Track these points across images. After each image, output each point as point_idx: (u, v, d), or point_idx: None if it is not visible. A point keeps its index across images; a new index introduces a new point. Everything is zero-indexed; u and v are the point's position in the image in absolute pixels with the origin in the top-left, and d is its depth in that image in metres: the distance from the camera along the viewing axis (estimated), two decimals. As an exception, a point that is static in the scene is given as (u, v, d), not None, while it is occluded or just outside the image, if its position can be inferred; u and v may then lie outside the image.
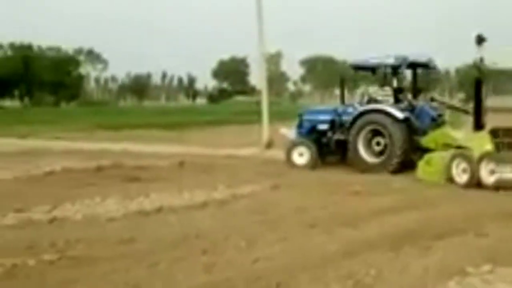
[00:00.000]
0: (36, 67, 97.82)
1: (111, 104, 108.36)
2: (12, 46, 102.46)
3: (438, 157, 13.11)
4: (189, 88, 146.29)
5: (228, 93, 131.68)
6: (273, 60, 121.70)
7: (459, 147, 13.05)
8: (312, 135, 16.40)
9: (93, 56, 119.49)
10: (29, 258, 6.91)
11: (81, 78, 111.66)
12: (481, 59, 13.87)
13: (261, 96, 21.18)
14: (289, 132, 17.04)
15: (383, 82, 15.99)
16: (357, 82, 17.08)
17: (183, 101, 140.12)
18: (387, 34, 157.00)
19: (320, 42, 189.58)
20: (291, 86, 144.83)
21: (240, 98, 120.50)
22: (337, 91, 17.98)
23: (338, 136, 15.89)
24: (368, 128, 15.09)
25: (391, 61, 15.39)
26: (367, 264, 6.63)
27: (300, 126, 16.80)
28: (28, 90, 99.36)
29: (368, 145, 15.14)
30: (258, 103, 22.61)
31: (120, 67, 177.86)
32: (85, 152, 20.05)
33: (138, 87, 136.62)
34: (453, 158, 12.56)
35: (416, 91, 16.11)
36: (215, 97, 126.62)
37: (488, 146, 12.28)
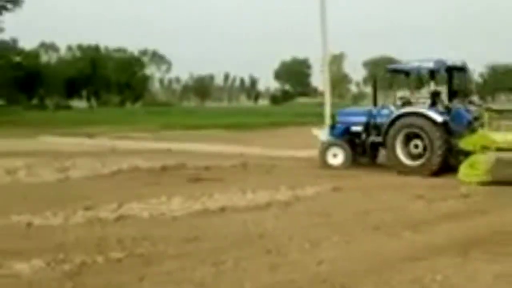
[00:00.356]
0: (103, 68, 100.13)
1: (174, 104, 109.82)
2: (80, 47, 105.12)
3: (482, 160, 12.96)
4: (251, 90, 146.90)
5: (290, 94, 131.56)
6: (336, 61, 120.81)
7: (499, 149, 13.04)
8: (345, 136, 16.55)
9: (157, 57, 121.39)
10: (97, 255, 7.08)
11: (146, 79, 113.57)
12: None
13: (324, 97, 21.06)
14: (321, 132, 17.19)
15: (419, 85, 16.40)
16: (392, 84, 16.90)
17: (245, 102, 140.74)
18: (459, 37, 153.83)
19: (384, 44, 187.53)
20: (353, 88, 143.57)
21: (302, 99, 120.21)
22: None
23: (373, 138, 16.01)
24: (406, 130, 15.06)
25: (430, 65, 15.54)
26: (433, 269, 6.52)
27: (333, 127, 16.98)
28: (95, 91, 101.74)
29: (405, 147, 15.09)
30: (320, 105, 22.51)
31: (184, 68, 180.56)
32: (151, 151, 20.45)
33: (201, 88, 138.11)
34: (498, 160, 12.63)
35: (452, 94, 16.03)
36: (277, 99, 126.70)
37: None
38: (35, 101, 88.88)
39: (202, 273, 6.47)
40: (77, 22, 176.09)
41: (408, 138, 15.11)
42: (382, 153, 16.26)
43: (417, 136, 14.95)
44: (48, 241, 7.94)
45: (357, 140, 16.35)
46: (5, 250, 7.28)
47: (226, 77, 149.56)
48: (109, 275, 6.40)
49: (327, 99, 20.65)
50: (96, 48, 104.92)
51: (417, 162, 14.85)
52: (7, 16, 40.18)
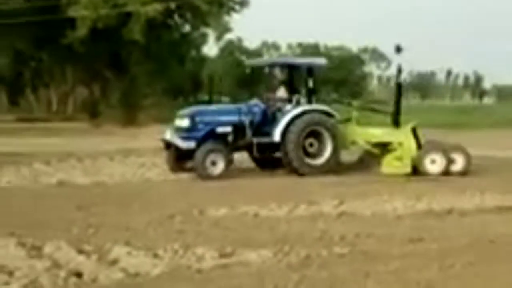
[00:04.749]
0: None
1: (391, 103, 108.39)
2: (300, 45, 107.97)
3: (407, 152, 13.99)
4: (475, 87, 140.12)
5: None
6: None
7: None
8: (209, 139, 13.86)
9: (376, 55, 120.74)
10: (321, 249, 7.14)
11: (364, 76, 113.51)
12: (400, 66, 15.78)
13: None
14: (172, 135, 14.10)
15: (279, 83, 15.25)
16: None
17: (468, 100, 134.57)
18: None
19: None
20: None
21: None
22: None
23: (260, 139, 14.09)
24: (311, 128, 14.14)
25: (268, 61, 15.22)
26: None
27: (192, 128, 13.89)
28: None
29: (304, 146, 14.13)
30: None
31: (404, 65, 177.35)
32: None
33: (421, 85, 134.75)
34: (426, 151, 13.96)
35: (311, 92, 14.87)
36: (506, 96, 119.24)
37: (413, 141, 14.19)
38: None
39: (429, 275, 6.22)
40: (299, 22, 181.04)
41: (306, 137, 14.14)
42: (236, 156, 14.17)
43: (314, 134, 14.19)
44: (273, 232, 8.21)
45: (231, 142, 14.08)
46: (236, 239, 7.64)
47: (449, 74, 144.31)
48: (333, 269, 6.41)
49: None
50: (316, 46, 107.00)
51: (320, 161, 14.13)
52: (234, 17, 42.30)
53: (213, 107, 17.30)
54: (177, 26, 43.58)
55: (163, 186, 12.50)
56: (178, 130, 14.11)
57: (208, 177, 13.26)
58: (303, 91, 15.12)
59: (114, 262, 6.56)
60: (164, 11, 38.24)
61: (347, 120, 15.21)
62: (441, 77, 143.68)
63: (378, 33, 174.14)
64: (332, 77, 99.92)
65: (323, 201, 10.36)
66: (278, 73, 15.27)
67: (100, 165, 15.43)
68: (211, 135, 13.92)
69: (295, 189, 12.10)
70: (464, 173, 14.02)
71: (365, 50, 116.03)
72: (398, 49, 16.34)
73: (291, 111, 14.24)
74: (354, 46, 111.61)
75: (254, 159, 14.87)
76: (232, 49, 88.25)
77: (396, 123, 15.13)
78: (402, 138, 14.43)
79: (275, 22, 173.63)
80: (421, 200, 10.49)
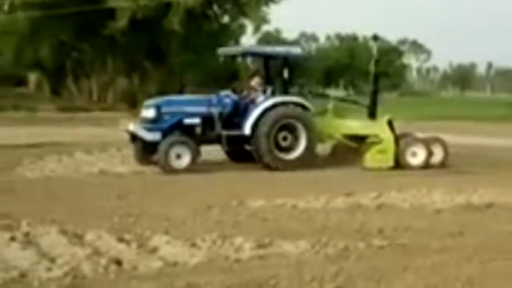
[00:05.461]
0: (360, 57, 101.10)
1: (432, 94, 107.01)
2: (338, 37, 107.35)
3: (389, 145, 13.75)
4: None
5: None
6: None
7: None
8: (176, 130, 13.36)
9: (416, 46, 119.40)
10: (359, 241, 7.13)
11: (403, 68, 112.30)
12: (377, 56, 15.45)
13: None
14: (135, 127, 13.50)
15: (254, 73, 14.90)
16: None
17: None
18: None
19: None
20: None
21: None
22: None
23: (229, 131, 13.52)
24: (283, 121, 13.57)
25: (240, 50, 14.65)
26: None
27: (157, 120, 13.34)
28: (351, 80, 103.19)
29: (276, 140, 13.56)
30: None
31: (444, 57, 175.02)
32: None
33: (461, 77, 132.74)
34: (406, 144, 13.85)
35: (286, 83, 14.29)
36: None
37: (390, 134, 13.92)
38: (293, 89, 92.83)
39: (468, 270, 6.16)
40: (337, 13, 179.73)
41: (278, 130, 13.57)
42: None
43: (287, 127, 13.63)
44: (311, 223, 8.22)
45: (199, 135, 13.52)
46: (274, 230, 7.66)
47: (489, 66, 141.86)
48: (371, 262, 6.40)
49: None
50: (354, 38, 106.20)
51: (294, 155, 13.63)
52: (273, 8, 42.31)
53: (181, 97, 16.76)
54: (216, 16, 43.68)
55: (201, 176, 12.58)
56: (144, 121, 13.56)
57: (172, 170, 12.65)
58: (278, 82, 14.61)
59: (154, 250, 6.65)
60: (204, 2, 38.39)
61: (323, 112, 14.82)
62: (481, 69, 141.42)
63: (417, 24, 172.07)
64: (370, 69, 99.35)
65: (361, 193, 10.33)
66: (250, 62, 14.86)
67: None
68: (178, 127, 13.32)
69: (332, 181, 12.05)
70: (442, 165, 13.93)
71: (404, 41, 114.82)
72: (375, 38, 16.29)
73: (263, 103, 13.69)
74: (393, 37, 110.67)
75: (226, 152, 14.39)
76: (270, 40, 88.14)
77: (372, 115, 14.77)
78: (380, 130, 14.12)
79: (314, 13, 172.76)
80: (461, 193, 10.37)
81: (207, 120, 13.48)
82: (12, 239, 6.99)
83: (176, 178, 12.23)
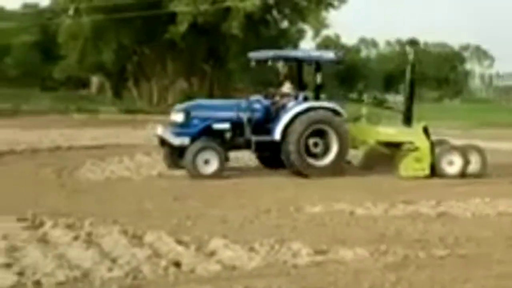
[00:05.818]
0: (420, 62, 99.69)
1: (494, 102, 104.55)
2: (399, 42, 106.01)
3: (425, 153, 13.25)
4: None
5: None
6: None
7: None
8: (205, 135, 13.06)
9: (479, 52, 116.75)
10: (419, 251, 7.00)
11: (466, 74, 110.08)
12: (414, 61, 15.14)
13: None
14: (164, 131, 13.20)
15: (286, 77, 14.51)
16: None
17: None
18: None
19: None
20: None
21: None
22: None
23: (259, 137, 13.17)
24: (311, 128, 13.22)
25: (271, 55, 14.24)
26: None
27: (186, 124, 13.09)
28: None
29: (308, 146, 13.25)
30: None
31: (508, 64, 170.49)
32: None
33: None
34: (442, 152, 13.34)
35: (318, 88, 14.08)
36: None
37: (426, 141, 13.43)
38: (352, 95, 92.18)
39: (533, 282, 5.99)
40: (397, 18, 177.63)
41: (309, 136, 13.25)
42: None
43: (319, 133, 13.31)
44: (370, 231, 8.13)
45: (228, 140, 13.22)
46: (332, 236, 7.63)
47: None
48: (431, 272, 6.27)
49: None
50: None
51: (325, 162, 13.27)
52: (333, 13, 42.18)
53: (211, 101, 16.65)
54: (275, 21, 43.88)
55: (257, 180, 12.60)
56: (173, 125, 13.37)
57: (200, 176, 12.44)
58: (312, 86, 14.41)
59: (212, 254, 6.69)
60: (263, 7, 38.59)
61: (357, 118, 14.41)
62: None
63: (480, 30, 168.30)
64: (432, 75, 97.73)
65: (420, 201, 10.16)
66: (282, 67, 14.67)
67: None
68: (207, 132, 13.09)
69: (391, 188, 11.89)
70: (480, 174, 13.35)
71: (466, 47, 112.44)
72: (412, 43, 15.96)
73: (293, 108, 13.37)
74: (455, 43, 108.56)
75: (258, 157, 14.26)
76: (329, 45, 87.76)
77: (407, 122, 14.23)
78: (416, 138, 13.57)
79: (374, 19, 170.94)
80: (526, 203, 10.08)
81: (236, 125, 13.28)
82: (75, 238, 7.19)
83: (231, 182, 12.30)
